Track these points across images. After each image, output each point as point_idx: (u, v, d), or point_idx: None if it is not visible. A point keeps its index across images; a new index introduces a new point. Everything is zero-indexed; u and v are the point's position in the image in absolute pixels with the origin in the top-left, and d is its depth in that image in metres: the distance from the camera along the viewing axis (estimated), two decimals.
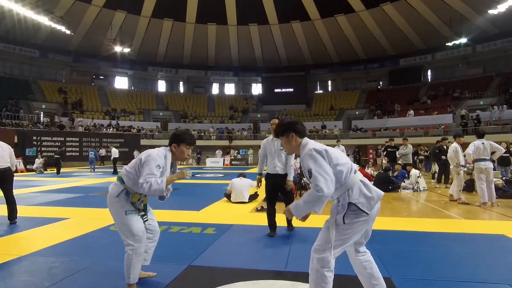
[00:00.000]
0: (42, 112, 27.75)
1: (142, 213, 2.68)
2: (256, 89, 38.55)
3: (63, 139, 22.75)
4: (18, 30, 24.83)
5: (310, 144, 2.07)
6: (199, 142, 28.69)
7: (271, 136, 4.54)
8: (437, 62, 31.54)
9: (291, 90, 35.31)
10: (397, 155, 10.42)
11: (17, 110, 25.04)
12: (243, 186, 6.95)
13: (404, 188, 9.37)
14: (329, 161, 1.97)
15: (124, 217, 2.50)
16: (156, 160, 2.51)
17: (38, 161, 17.07)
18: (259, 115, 34.82)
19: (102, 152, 20.41)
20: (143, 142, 26.53)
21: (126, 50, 28.21)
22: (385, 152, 10.12)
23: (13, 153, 5.20)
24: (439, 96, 29.62)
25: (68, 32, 25.02)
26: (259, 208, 6.29)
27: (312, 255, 2.03)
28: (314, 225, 4.57)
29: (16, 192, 8.78)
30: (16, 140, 20.50)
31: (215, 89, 38.75)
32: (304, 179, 9.87)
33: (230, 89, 39.02)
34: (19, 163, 16.49)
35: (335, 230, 1.99)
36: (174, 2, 27.22)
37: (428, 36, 29.11)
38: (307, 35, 31.30)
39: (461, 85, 29.03)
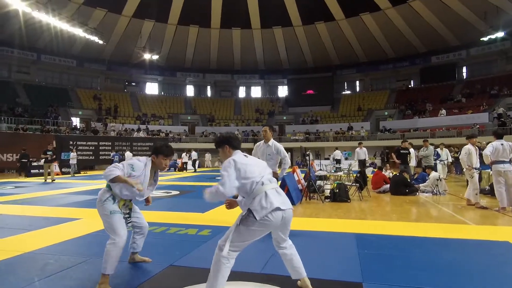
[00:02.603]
0: (78, 118, 29.54)
1: (127, 215, 3.08)
2: (282, 91, 38.53)
3: (96, 143, 24.07)
4: (56, 42, 26.59)
5: (235, 156, 2.53)
6: None
7: (263, 141, 4.88)
8: (472, 58, 29.85)
9: (317, 91, 34.92)
10: (410, 157, 10.05)
11: (56, 117, 26.83)
12: None
13: (423, 192, 9.04)
14: (237, 172, 2.41)
15: (109, 216, 2.86)
16: (133, 161, 3.02)
17: (72, 163, 18.16)
18: (285, 117, 34.77)
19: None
20: (171, 145, 27.37)
21: (155, 57, 29.29)
22: (397, 154, 9.80)
23: None
24: (474, 94, 28.01)
25: (101, 42, 26.40)
26: None
27: (218, 244, 2.44)
28: (304, 228, 4.64)
29: (46, 193, 9.48)
30: (54, 145, 22.03)
31: (241, 92, 39.21)
32: (319, 182, 9.84)
33: (256, 92, 39.31)
34: (56, 166, 17.64)
35: (235, 228, 2.40)
36: (199, 9, 27.94)
37: (461, 31, 27.66)
38: (333, 36, 30.86)
39: (499, 81, 27.27)
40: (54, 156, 14.37)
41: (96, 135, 24.91)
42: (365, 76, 35.65)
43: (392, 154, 11.20)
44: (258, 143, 5.04)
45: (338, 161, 12.06)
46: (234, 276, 3.00)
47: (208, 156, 26.73)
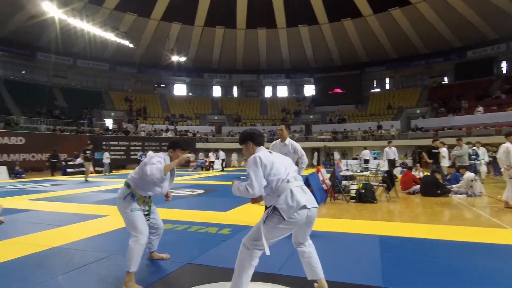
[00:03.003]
0: (111, 119, 30.75)
1: (146, 212, 3.10)
2: (309, 90, 38.07)
3: (128, 143, 24.98)
4: (90, 47, 27.84)
5: (259, 153, 2.47)
6: None
7: (279, 140, 4.85)
8: None
9: (345, 89, 34.18)
10: (443, 156, 9.56)
11: (91, 118, 28.09)
12: None
13: (456, 193, 8.58)
14: (263, 169, 2.37)
15: (130, 214, 2.90)
16: (154, 158, 2.99)
17: (106, 162, 18.94)
18: (311, 117, 34.34)
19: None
20: (199, 145, 27.88)
21: (183, 59, 29.89)
22: (428, 153, 9.35)
23: None
24: None
25: (131, 45, 27.33)
26: None
27: (242, 244, 2.40)
28: (327, 229, 4.52)
29: (79, 191, 9.91)
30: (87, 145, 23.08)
31: (267, 92, 39.17)
32: (345, 182, 9.61)
33: (282, 91, 39.12)
34: (90, 165, 18.43)
35: (262, 226, 2.35)
36: (225, 10, 28.20)
37: (499, 23, 26.03)
38: (360, 32, 30.08)
39: None
40: (92, 156, 14.89)
41: (127, 136, 25.82)
42: (395, 73, 34.45)
43: (424, 153, 10.73)
44: (274, 142, 4.96)
45: (366, 161, 11.70)
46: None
47: (234, 156, 26.92)
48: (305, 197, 2.36)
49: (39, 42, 27.35)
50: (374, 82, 36.06)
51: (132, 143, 24.92)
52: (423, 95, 31.53)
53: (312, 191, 7.26)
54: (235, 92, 39.15)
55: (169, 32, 29.93)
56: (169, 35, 29.94)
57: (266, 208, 2.53)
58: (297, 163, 5.02)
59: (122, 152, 24.42)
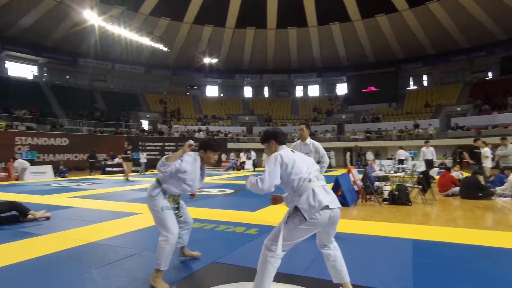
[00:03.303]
0: (147, 121, 31.94)
1: (176, 211, 3.16)
2: (341, 89, 37.30)
3: (162, 144, 25.85)
4: (126, 51, 29.06)
5: (281, 151, 2.46)
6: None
7: (299, 140, 4.86)
8: None
9: (379, 87, 33.08)
10: (485, 157, 8.96)
11: (128, 120, 29.35)
12: None
13: (500, 196, 8.02)
14: (284, 168, 2.35)
15: (161, 213, 2.91)
16: (183, 157, 2.98)
17: (143, 162, 19.73)
18: (344, 116, 33.61)
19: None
20: (230, 145, 28.25)
21: (214, 60, 30.46)
22: (469, 153, 8.80)
23: None
24: None
25: (165, 49, 28.24)
26: None
27: (264, 244, 2.38)
28: (357, 232, 4.41)
29: (116, 189, 10.38)
30: (126, 146, 24.12)
31: (298, 91, 38.85)
32: (377, 183, 9.31)
33: (313, 90, 38.62)
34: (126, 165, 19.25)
35: (283, 226, 2.32)
36: (255, 11, 28.33)
37: None
38: (395, 28, 28.99)
39: None
40: (131, 156, 15.50)
41: (162, 136, 26.71)
42: (434, 69, 32.83)
43: (465, 153, 10.14)
44: (294, 143, 4.93)
45: (401, 161, 11.24)
46: (275, 277, 2.97)
47: (265, 156, 26.93)
48: (328, 197, 2.31)
49: (81, 49, 28.99)
50: (411, 79, 34.60)
51: (166, 144, 25.78)
52: (464, 92, 29.80)
53: (342, 193, 7.14)
54: (266, 92, 39.21)
55: (201, 35, 30.59)
56: (201, 37, 30.60)
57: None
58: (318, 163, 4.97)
59: (157, 152, 25.30)
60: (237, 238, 4.34)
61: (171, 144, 25.87)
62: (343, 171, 11.78)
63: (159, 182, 3.03)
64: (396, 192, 7.33)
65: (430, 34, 28.98)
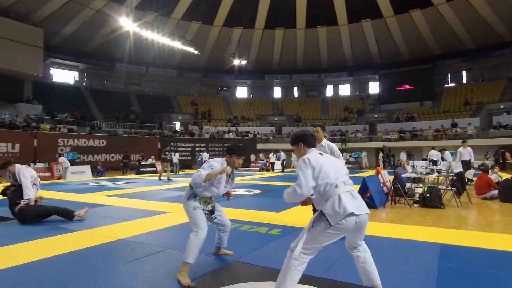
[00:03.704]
0: (178, 122, 32.86)
1: (206, 212, 3.33)
2: (373, 87, 36.26)
3: (193, 144, 26.53)
4: (159, 55, 30.06)
5: (310, 154, 2.48)
6: None
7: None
8: None
9: (414, 85, 31.76)
10: None
11: (161, 122, 30.36)
12: None
13: None
14: (312, 171, 2.36)
15: (192, 212, 3.16)
16: (210, 163, 3.25)
17: (175, 162, 20.37)
18: (376, 116, 32.64)
19: (206, 156, 22.70)
20: (259, 146, 28.39)
21: (244, 62, 30.75)
22: None
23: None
24: None
25: (196, 52, 28.90)
26: None
27: (290, 247, 2.38)
28: (382, 235, 4.28)
29: (148, 189, 10.80)
30: (159, 146, 25.01)
31: (329, 91, 38.25)
32: (408, 185, 8.98)
33: (344, 90, 37.85)
34: (159, 165, 19.96)
35: (307, 231, 2.34)
36: (284, 11, 28.26)
37: None
38: (431, 23, 27.70)
39: None
40: (169, 157, 16.06)
41: (193, 137, 27.38)
42: (474, 65, 31.00)
43: (507, 154, 9.54)
44: None
45: (434, 162, 10.77)
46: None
47: (294, 156, 26.76)
48: (354, 203, 2.29)
49: (118, 54, 30.35)
50: (449, 76, 32.92)
51: (197, 144, 26.44)
52: (508, 88, 27.89)
53: (370, 194, 6.98)
54: (296, 93, 38.96)
55: (230, 37, 30.99)
56: (231, 39, 31.01)
57: (314, 211, 2.51)
58: None
59: (188, 153, 26.03)
60: (259, 238, 4.39)
61: (201, 144, 26.49)
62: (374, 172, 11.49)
63: (191, 187, 3.26)
64: (428, 195, 7.05)
65: (470, 28, 27.42)
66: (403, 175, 8.83)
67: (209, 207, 3.34)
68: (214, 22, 29.45)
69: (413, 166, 9.03)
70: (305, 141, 2.58)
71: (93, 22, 26.24)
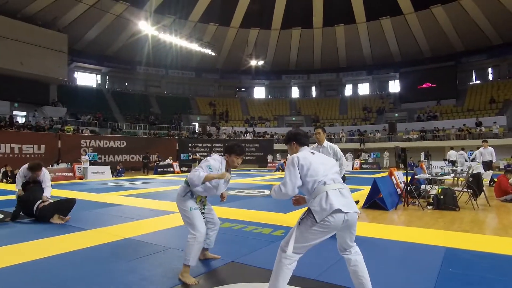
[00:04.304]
0: (197, 123, 33.31)
1: (202, 211, 3.30)
2: (394, 86, 35.44)
3: (210, 145, 26.83)
4: (176, 57, 30.56)
5: (300, 152, 2.51)
6: None
7: (315, 144, 4.84)
8: None
9: (437, 83, 30.80)
10: None
11: (179, 123, 30.88)
12: None
13: None
14: (300, 170, 2.37)
15: (189, 212, 3.08)
16: (209, 161, 3.19)
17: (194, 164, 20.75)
18: (396, 115, 31.88)
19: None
20: (276, 146, 28.34)
21: (261, 62, 30.80)
22: None
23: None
24: None
25: (213, 54, 29.19)
26: None
27: (280, 245, 2.39)
28: (387, 237, 4.20)
29: (163, 189, 11.01)
30: (177, 147, 25.47)
31: (348, 90, 37.71)
32: (423, 186, 8.75)
33: (364, 89, 37.20)
34: (176, 166, 20.34)
35: (296, 229, 2.33)
36: (300, 11, 28.11)
37: None
38: (453, 19, 26.78)
39: None
40: (199, 157, 16.32)
41: (210, 138, 27.69)
42: (501, 61, 29.73)
43: None
44: (311, 146, 4.89)
45: (453, 163, 10.42)
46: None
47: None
48: (342, 200, 2.26)
49: (138, 57, 31.10)
50: (473, 73, 31.72)
51: (214, 145, 26.72)
52: None
53: (381, 197, 6.85)
54: (314, 92, 38.65)
55: (247, 38, 31.13)
56: (247, 40, 31.14)
57: None
58: None
59: (206, 154, 26.33)
60: (261, 239, 4.41)
61: (219, 145, 26.73)
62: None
63: (187, 184, 3.17)
64: (441, 196, 6.84)
65: (496, 23, 26.31)
66: (416, 176, 8.60)
67: (203, 206, 3.28)
68: (231, 23, 29.68)
69: (428, 167, 8.76)
70: (298, 139, 2.59)
71: (114, 26, 27.03)
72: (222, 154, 3.43)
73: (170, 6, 26.29)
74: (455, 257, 3.62)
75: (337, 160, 4.83)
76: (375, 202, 6.99)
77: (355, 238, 2.44)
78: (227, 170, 3.31)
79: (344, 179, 6.77)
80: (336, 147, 4.78)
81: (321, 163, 2.43)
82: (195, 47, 27.65)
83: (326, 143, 4.80)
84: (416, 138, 25.92)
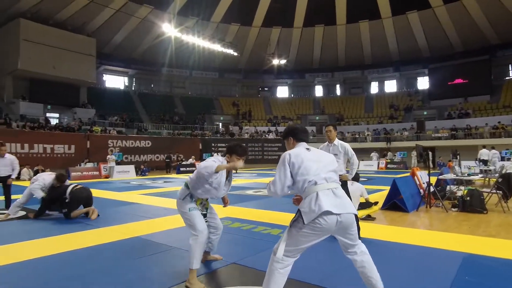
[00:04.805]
0: (220, 123, 33.58)
1: (204, 212, 3.21)
2: (422, 83, 34.06)
3: None
4: (199, 58, 30.91)
5: (294, 149, 2.39)
6: (353, 145, 27.73)
7: (326, 142, 4.69)
8: None
9: (469, 79, 29.25)
10: None
11: (203, 123, 31.26)
12: (352, 192, 6.46)
13: None
14: (291, 168, 2.26)
15: (188, 214, 3.03)
16: (209, 163, 2.97)
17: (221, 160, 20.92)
18: (425, 113, 30.61)
19: None
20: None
21: (283, 61, 30.58)
22: None
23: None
24: None
25: (236, 54, 29.30)
26: (363, 217, 5.83)
27: (273, 249, 2.27)
28: (402, 241, 3.97)
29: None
30: (200, 147, 25.79)
31: (373, 88, 36.65)
32: (449, 187, 8.28)
33: (390, 86, 36.01)
34: (198, 165, 20.58)
35: (287, 231, 2.23)
36: (323, 8, 27.58)
37: None
38: (487, 10, 25.28)
39: None
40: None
41: (232, 138, 27.80)
42: None
43: None
44: (322, 145, 4.73)
45: (485, 162, 9.80)
46: (287, 283, 2.87)
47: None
48: (334, 201, 2.13)
49: (163, 59, 31.76)
50: (510, 68, 29.83)
51: None
52: None
53: (402, 198, 6.53)
54: (338, 91, 37.89)
55: (269, 37, 31.01)
56: (270, 39, 31.02)
57: None
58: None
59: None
60: (268, 240, 4.29)
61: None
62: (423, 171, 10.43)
63: (187, 186, 3.13)
64: (468, 198, 6.43)
65: None
66: (439, 177, 8.17)
67: (204, 210, 3.19)
68: (253, 23, 29.66)
69: (454, 167, 8.29)
70: (295, 134, 2.47)
71: (140, 29, 27.77)
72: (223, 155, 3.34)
73: (193, 8, 26.65)
74: (474, 264, 3.36)
75: (349, 158, 4.65)
76: (395, 204, 6.69)
77: (359, 237, 2.31)
78: (229, 172, 3.20)
79: (358, 178, 6.55)
80: (347, 145, 4.60)
81: (315, 160, 2.29)
82: (217, 47, 27.87)
83: (337, 141, 4.63)
84: (446, 137, 24.76)
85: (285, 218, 5.75)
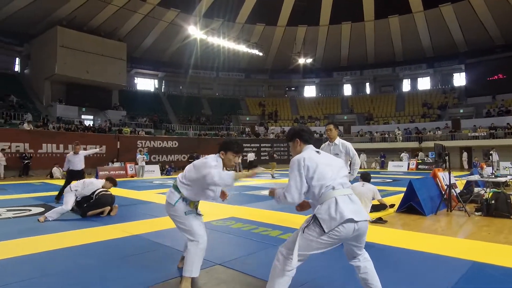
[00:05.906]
0: (247, 124, 33.69)
1: (200, 214, 3.06)
2: (459, 79, 32.18)
3: (258, 145, 26.94)
4: (225, 59, 31.20)
5: (305, 152, 2.29)
6: (382, 145, 26.82)
7: (327, 142, 4.57)
8: None
9: (509, 74, 27.19)
10: None
11: (228, 123, 31.53)
12: (363, 193, 6.19)
13: None
14: (306, 172, 2.16)
15: (184, 217, 2.79)
16: (211, 162, 2.77)
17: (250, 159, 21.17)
18: (461, 110, 28.88)
19: (251, 156, 22.40)
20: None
21: (309, 60, 30.15)
22: None
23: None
24: None
25: (261, 54, 29.29)
26: (373, 220, 5.54)
27: (279, 251, 2.23)
28: (408, 247, 3.69)
29: None
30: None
31: (405, 85, 35.14)
32: (477, 190, 7.70)
33: (423, 83, 34.36)
34: None
35: (300, 237, 2.14)
36: (349, 4, 26.81)
37: None
38: None
39: None
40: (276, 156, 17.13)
41: (258, 138, 27.81)
42: None
43: None
44: (323, 144, 4.54)
45: None
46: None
47: (363, 156, 25.27)
48: (352, 208, 2.06)
49: (191, 61, 32.41)
50: None
51: (262, 145, 26.80)
52: None
53: (419, 200, 6.15)
54: (368, 89, 36.73)
55: (295, 36, 30.68)
56: (295, 39, 30.70)
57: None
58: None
59: (253, 153, 26.48)
60: (264, 241, 4.19)
61: (266, 145, 26.75)
62: (457, 173, 9.50)
63: (177, 189, 2.88)
64: (493, 201, 5.93)
65: None
66: (466, 178, 7.62)
67: (195, 210, 2.95)
68: (278, 22, 29.49)
69: (481, 168, 7.69)
70: (302, 136, 2.38)
71: (168, 33, 28.51)
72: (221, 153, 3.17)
73: (218, 10, 26.94)
74: (479, 273, 3.06)
75: (351, 158, 4.46)
76: (411, 206, 6.32)
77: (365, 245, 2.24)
78: (240, 178, 2.88)
79: (369, 178, 6.22)
80: (348, 144, 4.40)
81: (328, 164, 2.21)
82: (243, 48, 28.03)
83: (338, 140, 4.45)
84: (484, 136, 23.20)
85: (289, 219, 5.61)
